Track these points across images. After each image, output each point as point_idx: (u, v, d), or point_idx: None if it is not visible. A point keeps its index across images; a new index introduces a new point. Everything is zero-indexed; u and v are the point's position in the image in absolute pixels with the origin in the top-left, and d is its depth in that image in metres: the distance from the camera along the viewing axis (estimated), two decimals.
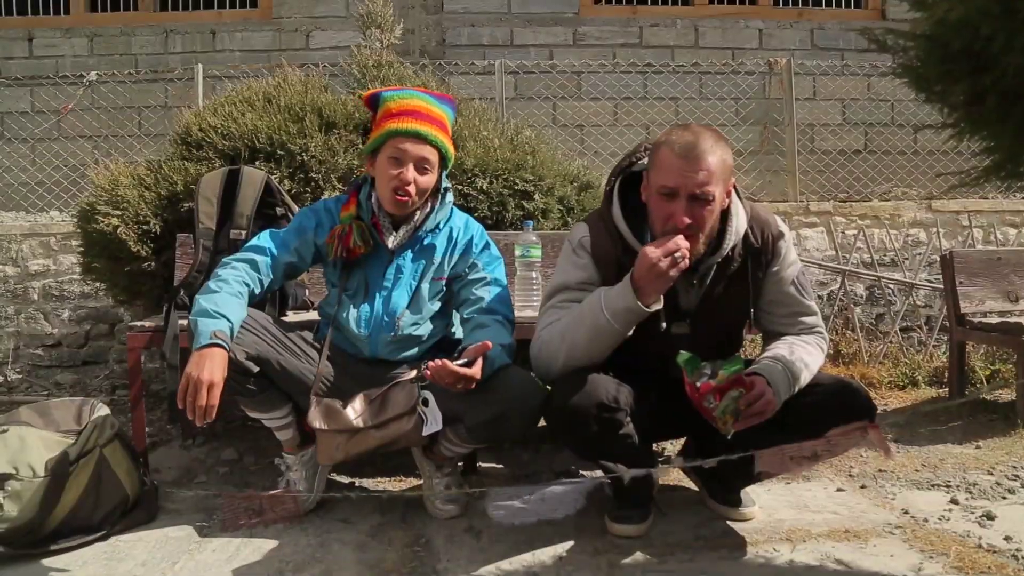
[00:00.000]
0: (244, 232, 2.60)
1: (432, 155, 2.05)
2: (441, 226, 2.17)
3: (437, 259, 2.16)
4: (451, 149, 2.13)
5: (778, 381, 1.78)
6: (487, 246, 2.21)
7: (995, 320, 3.37)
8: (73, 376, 4.17)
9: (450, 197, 2.20)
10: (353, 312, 2.12)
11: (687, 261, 1.75)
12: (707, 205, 1.78)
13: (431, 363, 1.87)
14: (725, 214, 1.88)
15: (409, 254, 2.15)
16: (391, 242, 2.11)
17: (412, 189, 2.03)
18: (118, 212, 2.89)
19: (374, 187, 2.11)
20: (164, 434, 3.00)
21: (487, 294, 2.14)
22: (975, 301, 3.43)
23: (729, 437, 1.71)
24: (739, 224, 1.90)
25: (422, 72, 3.51)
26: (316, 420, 1.95)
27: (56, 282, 4.36)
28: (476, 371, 1.87)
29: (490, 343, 1.89)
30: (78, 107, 5.04)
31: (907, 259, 4.54)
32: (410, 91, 2.15)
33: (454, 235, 2.18)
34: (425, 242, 2.16)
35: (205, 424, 1.84)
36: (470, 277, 2.16)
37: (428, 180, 2.07)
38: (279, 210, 2.68)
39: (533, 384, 1.97)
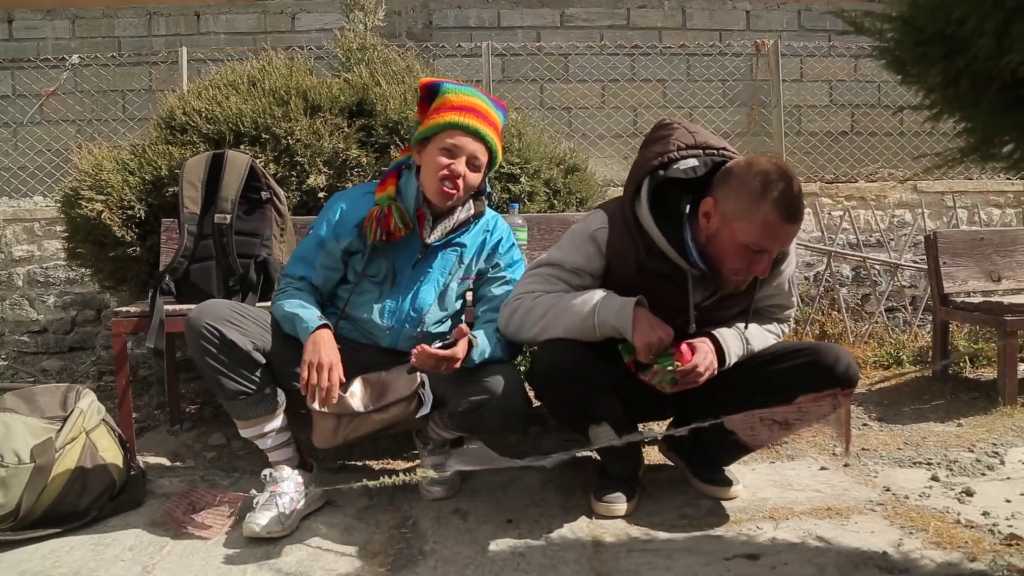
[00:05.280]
0: (228, 216, 2.60)
1: (484, 155, 2.03)
2: (475, 225, 2.14)
3: (467, 258, 2.14)
4: (500, 154, 2.10)
5: (730, 341, 1.90)
6: (512, 247, 2.20)
7: (978, 300, 3.41)
8: (59, 362, 4.16)
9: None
10: (376, 303, 2.09)
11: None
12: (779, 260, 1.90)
13: (414, 351, 1.88)
14: None
15: (440, 250, 2.11)
16: (429, 236, 2.07)
17: (461, 183, 2.00)
18: (102, 197, 2.87)
19: (417, 175, 2.06)
20: (151, 419, 3.01)
21: (502, 292, 2.13)
22: (958, 281, 3.47)
23: (669, 392, 1.87)
24: None
25: (407, 55, 3.48)
26: (316, 402, 1.93)
27: (41, 268, 4.33)
28: (459, 350, 1.89)
29: (467, 329, 1.92)
30: (61, 91, 4.98)
31: (892, 240, 4.58)
32: (470, 88, 2.08)
33: (486, 237, 2.17)
34: (458, 239, 2.12)
35: (332, 403, 1.89)
36: (490, 276, 2.17)
37: (476, 178, 2.04)
38: (264, 194, 2.67)
39: (518, 384, 1.98)
